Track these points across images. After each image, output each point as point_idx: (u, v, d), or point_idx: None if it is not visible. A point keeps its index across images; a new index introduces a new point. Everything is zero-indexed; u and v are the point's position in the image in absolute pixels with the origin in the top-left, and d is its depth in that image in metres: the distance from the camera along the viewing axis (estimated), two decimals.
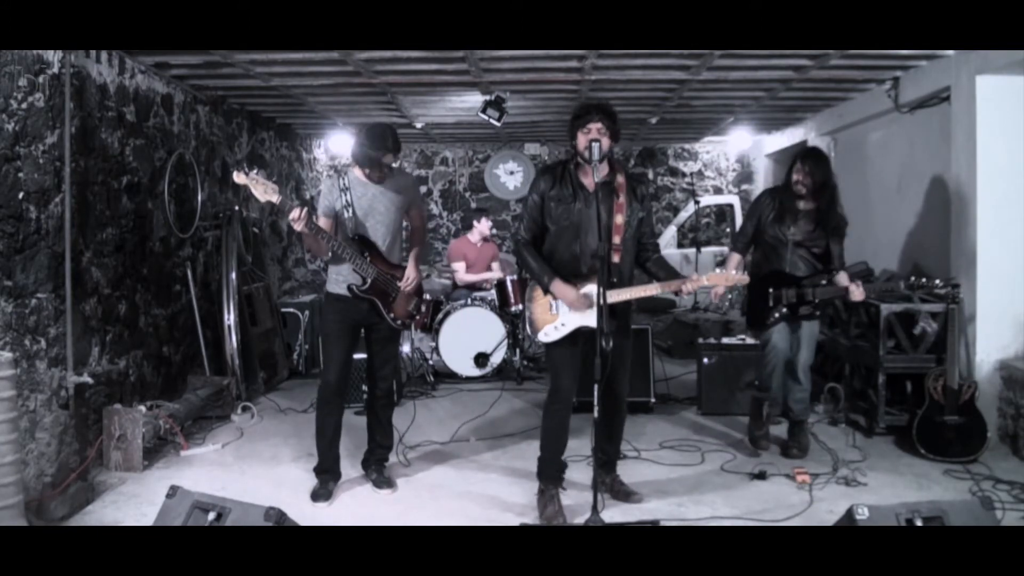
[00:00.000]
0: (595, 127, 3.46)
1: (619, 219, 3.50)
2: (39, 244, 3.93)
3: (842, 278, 4.36)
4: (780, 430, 4.79)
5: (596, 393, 3.22)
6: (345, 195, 3.83)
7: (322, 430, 3.98)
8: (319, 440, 3.99)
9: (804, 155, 4.43)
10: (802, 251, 4.39)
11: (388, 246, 3.93)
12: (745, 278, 3.69)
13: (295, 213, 3.54)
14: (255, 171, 3.58)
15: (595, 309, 3.29)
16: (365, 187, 3.87)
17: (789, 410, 4.62)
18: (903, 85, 5.70)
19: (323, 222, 3.85)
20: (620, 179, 3.57)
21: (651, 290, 3.61)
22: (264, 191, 3.57)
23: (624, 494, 3.86)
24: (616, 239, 3.50)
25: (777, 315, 4.41)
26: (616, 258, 3.51)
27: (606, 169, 3.50)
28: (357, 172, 3.90)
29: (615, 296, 3.47)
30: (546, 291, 3.58)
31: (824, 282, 4.38)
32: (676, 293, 3.65)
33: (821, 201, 4.35)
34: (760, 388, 4.66)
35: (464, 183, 10.83)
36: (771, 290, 4.39)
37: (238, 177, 3.59)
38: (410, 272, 4.00)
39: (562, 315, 3.58)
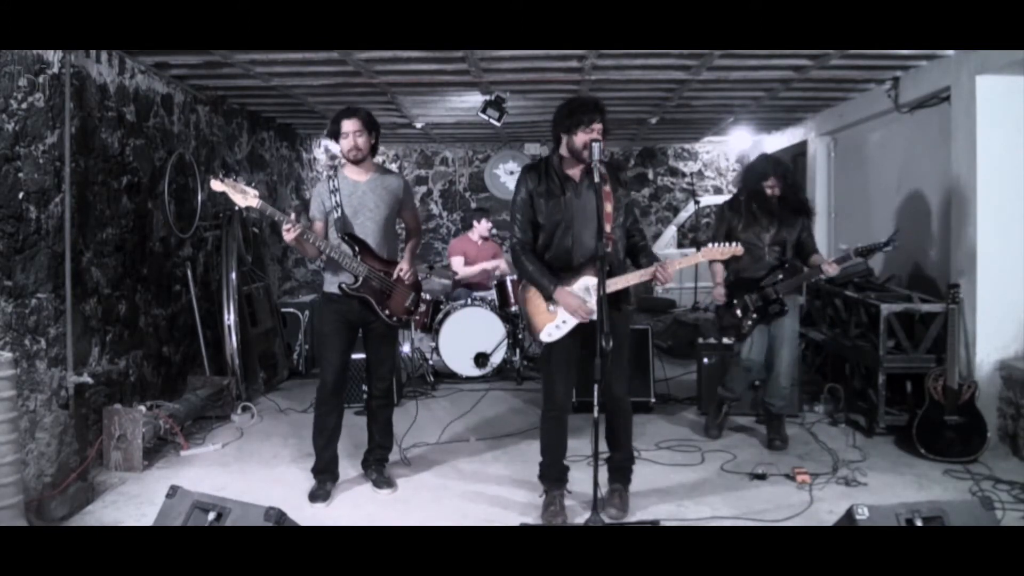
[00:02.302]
0: (597, 128, 3.45)
1: (608, 207, 3.47)
2: (39, 244, 3.93)
3: (817, 259, 4.57)
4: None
5: (596, 393, 3.22)
6: (335, 195, 3.86)
7: (319, 430, 3.98)
8: (316, 440, 3.99)
9: (777, 165, 4.67)
10: (777, 248, 4.62)
11: (379, 244, 3.93)
12: (739, 249, 3.61)
13: (288, 236, 3.64)
14: (232, 177, 3.66)
15: (595, 305, 3.29)
16: (354, 185, 3.90)
17: (769, 406, 4.75)
18: (903, 85, 5.70)
19: (317, 225, 3.90)
20: (602, 168, 3.54)
21: (646, 275, 3.54)
22: (243, 197, 3.64)
23: (609, 503, 3.71)
24: (608, 226, 3.47)
25: (750, 323, 4.60)
26: (609, 247, 3.46)
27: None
28: (347, 171, 3.94)
29: (611, 286, 3.46)
30: (549, 299, 3.54)
31: (781, 276, 4.56)
32: (655, 282, 3.57)
33: (791, 199, 4.63)
34: (727, 389, 4.88)
35: (464, 183, 10.84)
36: (735, 300, 4.64)
37: (215, 184, 3.67)
38: (403, 264, 4.00)
39: (561, 313, 3.54)
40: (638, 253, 3.71)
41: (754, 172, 4.69)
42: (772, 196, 4.56)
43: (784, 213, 4.58)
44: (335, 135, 3.89)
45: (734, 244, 3.60)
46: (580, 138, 3.45)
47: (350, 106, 3.94)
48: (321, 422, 3.97)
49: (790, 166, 4.72)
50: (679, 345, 7.35)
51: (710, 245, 3.63)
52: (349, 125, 3.83)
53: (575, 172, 3.55)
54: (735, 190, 5.03)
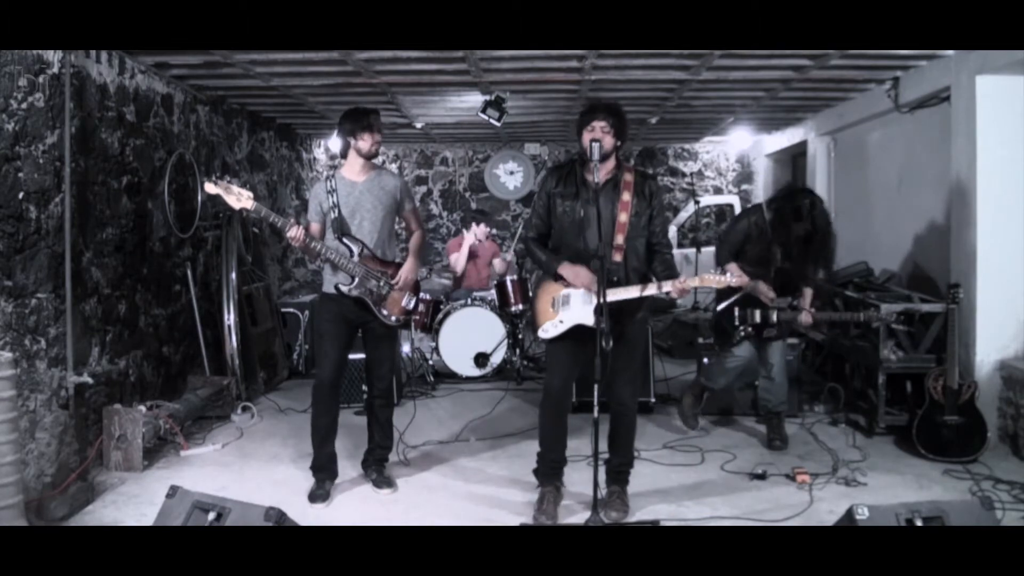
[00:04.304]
0: (599, 125, 3.44)
1: (623, 217, 3.46)
2: (39, 244, 3.93)
3: (804, 301, 4.58)
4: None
5: (596, 393, 3.22)
6: (332, 196, 3.87)
7: (316, 428, 3.98)
8: (314, 438, 3.99)
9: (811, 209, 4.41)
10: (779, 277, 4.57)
11: (377, 244, 3.93)
12: (733, 280, 3.48)
13: (293, 232, 3.65)
14: (226, 179, 3.67)
15: (594, 307, 3.27)
16: (351, 186, 3.91)
17: (766, 402, 4.77)
18: (903, 85, 5.70)
19: (314, 226, 3.92)
20: (627, 177, 3.52)
21: (642, 291, 3.43)
22: (237, 199, 3.65)
23: (609, 506, 3.69)
24: (619, 237, 3.45)
25: (741, 334, 4.61)
26: (617, 256, 3.45)
27: (610, 166, 3.49)
28: (344, 172, 3.96)
29: (613, 295, 3.45)
30: (554, 276, 3.54)
31: (787, 307, 4.55)
32: (668, 295, 3.49)
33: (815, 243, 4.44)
34: (708, 380, 4.88)
35: (464, 183, 10.83)
36: (737, 311, 4.58)
37: (209, 187, 3.68)
38: (404, 271, 3.99)
39: (561, 312, 3.55)
40: (654, 259, 3.60)
41: (788, 208, 4.43)
42: (797, 236, 4.39)
43: (802, 251, 4.42)
44: (353, 133, 3.86)
45: (728, 276, 3.49)
46: (584, 138, 3.48)
47: (364, 105, 4.00)
48: (318, 420, 3.97)
49: (826, 212, 4.50)
50: (679, 345, 7.35)
51: (711, 272, 3.50)
52: (379, 122, 3.90)
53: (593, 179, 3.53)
54: (763, 203, 4.74)
